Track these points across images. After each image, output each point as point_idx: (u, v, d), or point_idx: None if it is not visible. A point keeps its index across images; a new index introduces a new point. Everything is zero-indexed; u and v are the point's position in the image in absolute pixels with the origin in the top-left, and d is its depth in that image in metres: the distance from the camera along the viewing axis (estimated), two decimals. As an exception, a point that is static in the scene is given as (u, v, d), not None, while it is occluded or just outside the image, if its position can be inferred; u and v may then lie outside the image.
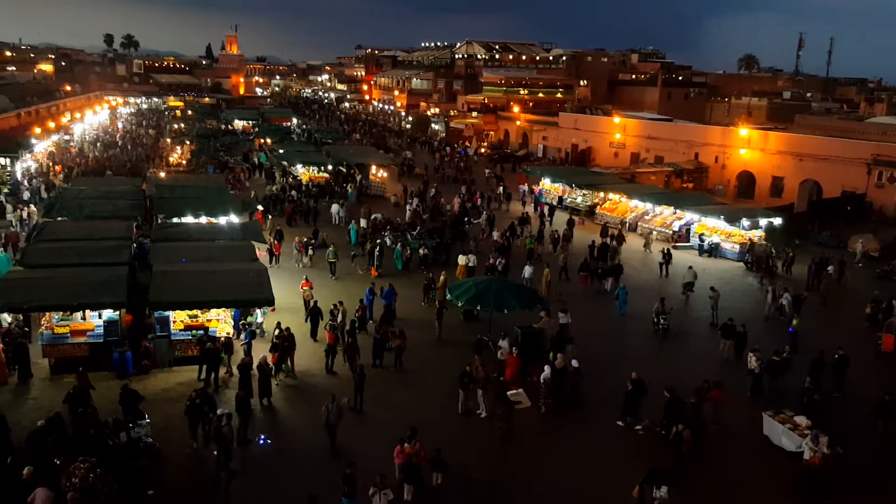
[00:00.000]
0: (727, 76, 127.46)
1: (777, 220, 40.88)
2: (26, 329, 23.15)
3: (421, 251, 35.20)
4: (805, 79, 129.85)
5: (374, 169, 55.76)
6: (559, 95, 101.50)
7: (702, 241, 40.02)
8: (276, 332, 23.11)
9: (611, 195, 48.40)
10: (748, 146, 56.71)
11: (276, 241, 34.16)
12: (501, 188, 54.74)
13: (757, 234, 39.59)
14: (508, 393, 21.20)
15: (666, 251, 36.73)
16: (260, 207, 41.14)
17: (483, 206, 48.47)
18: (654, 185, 53.62)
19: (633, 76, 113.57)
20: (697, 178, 58.80)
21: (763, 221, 40.47)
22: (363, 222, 40.51)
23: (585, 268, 33.91)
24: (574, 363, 22.31)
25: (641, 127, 68.58)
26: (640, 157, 65.72)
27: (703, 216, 41.80)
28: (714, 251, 39.40)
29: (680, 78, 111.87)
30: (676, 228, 42.40)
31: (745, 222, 39.97)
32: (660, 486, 15.73)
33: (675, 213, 43.77)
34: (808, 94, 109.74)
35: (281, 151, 60.21)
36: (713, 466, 18.51)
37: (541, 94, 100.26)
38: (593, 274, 33.87)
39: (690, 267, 33.33)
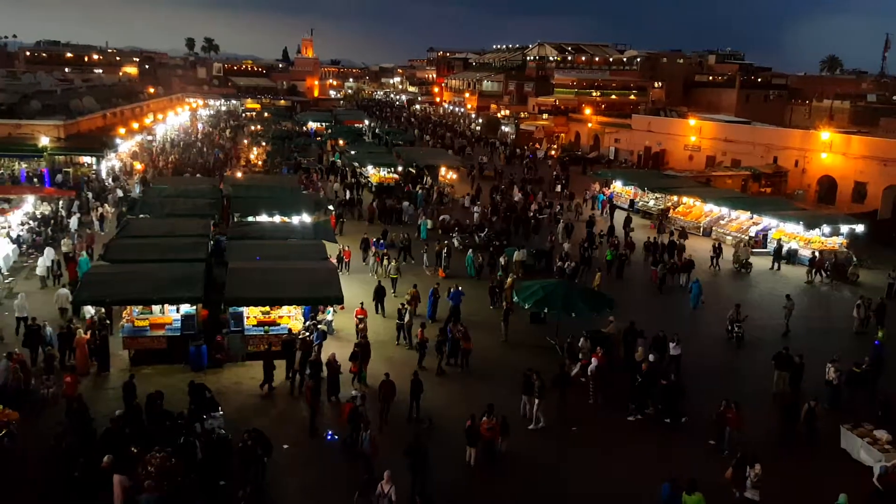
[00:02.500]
0: (808, 78, 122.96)
1: (859, 227, 39.36)
2: (107, 321, 24.10)
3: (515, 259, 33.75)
4: (891, 81, 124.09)
5: (443, 171, 56.25)
6: (632, 97, 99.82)
7: (780, 246, 38.83)
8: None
9: (684, 199, 47.46)
10: (830, 150, 54.65)
11: (346, 248, 33.82)
12: (560, 187, 55.64)
13: (838, 241, 38.40)
14: (573, 373, 22.28)
15: (716, 245, 37.66)
16: (331, 207, 41.78)
17: (546, 206, 48.05)
18: (730, 189, 52.37)
19: (710, 78, 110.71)
20: (776, 183, 57.02)
21: (844, 228, 39.07)
22: (429, 223, 40.86)
23: (657, 263, 35.10)
24: (651, 357, 22.66)
25: (718, 129, 66.92)
26: (716, 161, 64.15)
27: (781, 221, 40.53)
28: (792, 258, 38.22)
29: (759, 80, 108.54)
30: (753, 234, 41.25)
31: (826, 228, 38.66)
32: (752, 464, 16.42)
33: (751, 217, 42.60)
34: (895, 97, 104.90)
35: (353, 152, 61.12)
36: (788, 478, 17.85)
37: (613, 96, 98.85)
38: (668, 269, 34.55)
39: (745, 245, 34.94)
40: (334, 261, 30.97)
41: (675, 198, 47.93)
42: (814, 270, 35.63)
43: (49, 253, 30.74)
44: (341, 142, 71.16)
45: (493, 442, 18.30)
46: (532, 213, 44.71)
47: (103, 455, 15.60)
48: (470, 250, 34.99)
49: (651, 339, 23.97)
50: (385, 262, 32.41)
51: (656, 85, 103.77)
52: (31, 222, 36.62)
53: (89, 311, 24.24)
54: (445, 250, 34.24)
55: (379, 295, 28.30)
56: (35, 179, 47.41)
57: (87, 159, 52.19)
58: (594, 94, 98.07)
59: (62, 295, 25.94)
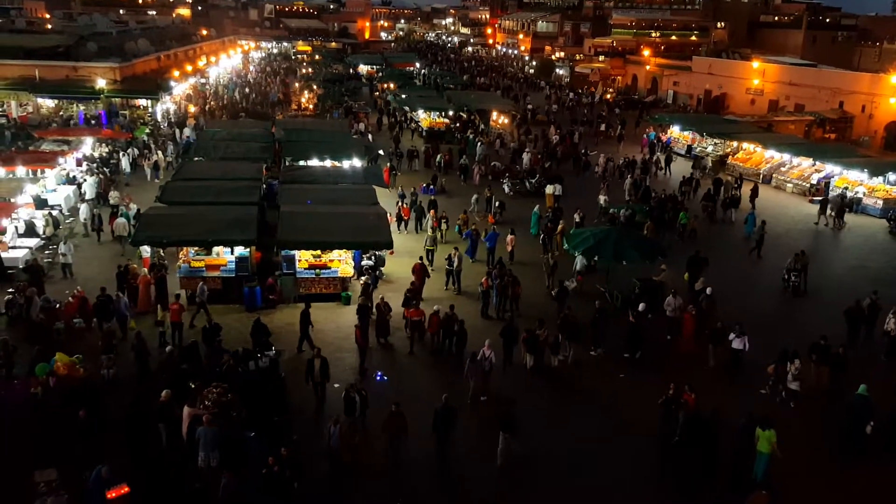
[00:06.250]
0: (880, 19, 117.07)
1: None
2: (165, 262, 24.68)
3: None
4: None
5: (494, 115, 55.64)
6: (693, 38, 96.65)
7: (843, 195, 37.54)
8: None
9: (744, 144, 46.06)
10: (900, 94, 52.32)
11: (405, 205, 32.04)
12: (605, 126, 56.24)
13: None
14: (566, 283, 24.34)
15: (735, 182, 39.41)
16: (381, 152, 41.56)
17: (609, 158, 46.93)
18: (792, 135, 50.62)
19: (776, 18, 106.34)
20: (841, 129, 55.00)
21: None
22: (476, 168, 40.54)
23: (708, 198, 36.22)
24: (708, 290, 22.75)
25: (782, 72, 64.42)
26: (778, 105, 61.95)
27: (845, 169, 39.09)
28: (855, 206, 36.90)
29: (827, 20, 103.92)
30: (815, 181, 39.92)
31: (892, 176, 37.22)
32: (793, 360, 18.15)
33: (814, 165, 41.19)
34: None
35: (403, 96, 60.66)
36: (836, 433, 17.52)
37: (673, 37, 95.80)
38: (721, 204, 36.08)
39: (724, 182, 38.36)
40: (393, 220, 29.55)
41: (734, 143, 46.57)
42: (828, 212, 34.93)
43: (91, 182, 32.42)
44: (392, 85, 70.66)
45: (544, 352, 20.16)
46: (582, 152, 45.01)
47: (159, 389, 16.15)
48: (537, 206, 32.77)
49: (710, 331, 20.95)
50: (443, 226, 29.80)
51: (719, 25, 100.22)
52: (88, 163, 37.42)
53: (146, 250, 24.86)
54: (495, 197, 33.93)
55: (420, 212, 31.02)
56: (93, 121, 48.30)
57: (142, 102, 52.91)
58: (653, 34, 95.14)
59: (120, 224, 27.32)
